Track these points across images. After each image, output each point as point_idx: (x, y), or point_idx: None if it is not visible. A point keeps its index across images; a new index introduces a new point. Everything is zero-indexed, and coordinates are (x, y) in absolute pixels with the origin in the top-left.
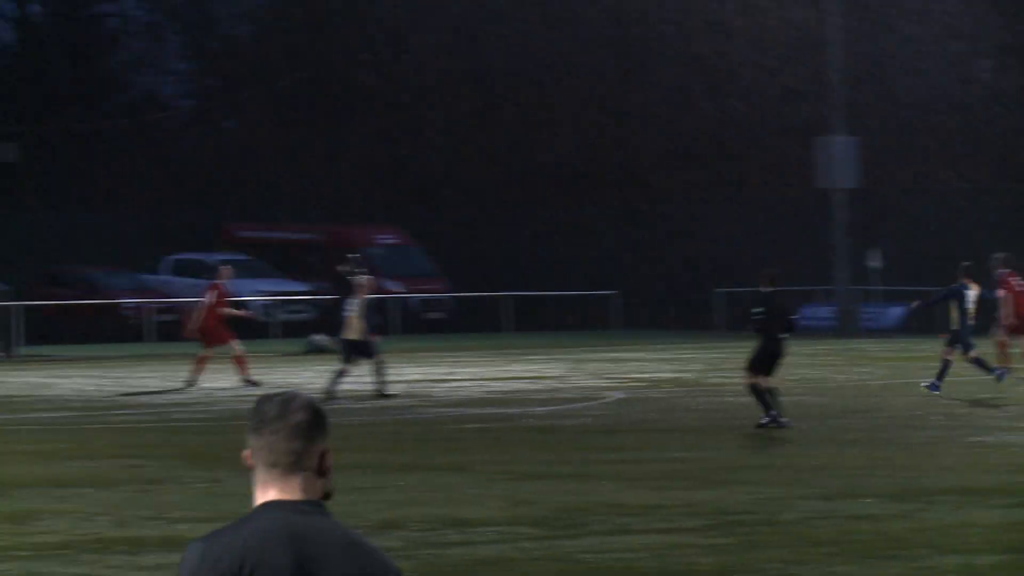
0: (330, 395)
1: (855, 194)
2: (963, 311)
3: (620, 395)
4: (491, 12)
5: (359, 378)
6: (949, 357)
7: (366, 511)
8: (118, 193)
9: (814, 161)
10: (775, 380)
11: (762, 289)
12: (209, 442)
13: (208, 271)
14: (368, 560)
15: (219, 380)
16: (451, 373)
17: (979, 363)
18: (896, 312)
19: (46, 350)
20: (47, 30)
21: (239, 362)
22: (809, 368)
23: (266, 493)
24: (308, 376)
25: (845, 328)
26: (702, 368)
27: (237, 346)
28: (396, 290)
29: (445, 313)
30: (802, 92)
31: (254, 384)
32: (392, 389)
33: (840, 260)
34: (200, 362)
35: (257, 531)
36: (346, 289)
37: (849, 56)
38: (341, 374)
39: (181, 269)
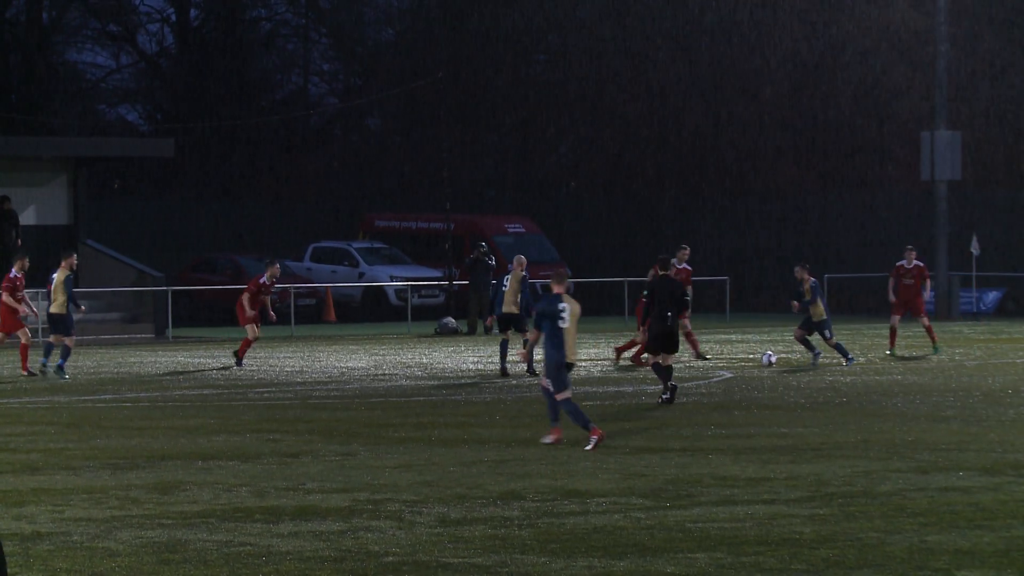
0: (504, 372)
1: (956, 185)
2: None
3: (729, 374)
4: (611, 14)
5: (490, 357)
6: None
7: (488, 482)
8: (267, 186)
9: (919, 154)
10: (671, 358)
11: (659, 273)
12: (344, 418)
13: (348, 258)
14: None
15: (352, 360)
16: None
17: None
18: (992, 297)
19: (195, 332)
20: (204, 33)
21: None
22: (909, 349)
23: None
24: (438, 356)
25: (944, 311)
26: (807, 349)
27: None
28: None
29: None
30: (909, 89)
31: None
32: (510, 369)
33: (940, 247)
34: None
35: None
36: (480, 274)
37: (954, 53)
38: (505, 345)
39: (322, 256)
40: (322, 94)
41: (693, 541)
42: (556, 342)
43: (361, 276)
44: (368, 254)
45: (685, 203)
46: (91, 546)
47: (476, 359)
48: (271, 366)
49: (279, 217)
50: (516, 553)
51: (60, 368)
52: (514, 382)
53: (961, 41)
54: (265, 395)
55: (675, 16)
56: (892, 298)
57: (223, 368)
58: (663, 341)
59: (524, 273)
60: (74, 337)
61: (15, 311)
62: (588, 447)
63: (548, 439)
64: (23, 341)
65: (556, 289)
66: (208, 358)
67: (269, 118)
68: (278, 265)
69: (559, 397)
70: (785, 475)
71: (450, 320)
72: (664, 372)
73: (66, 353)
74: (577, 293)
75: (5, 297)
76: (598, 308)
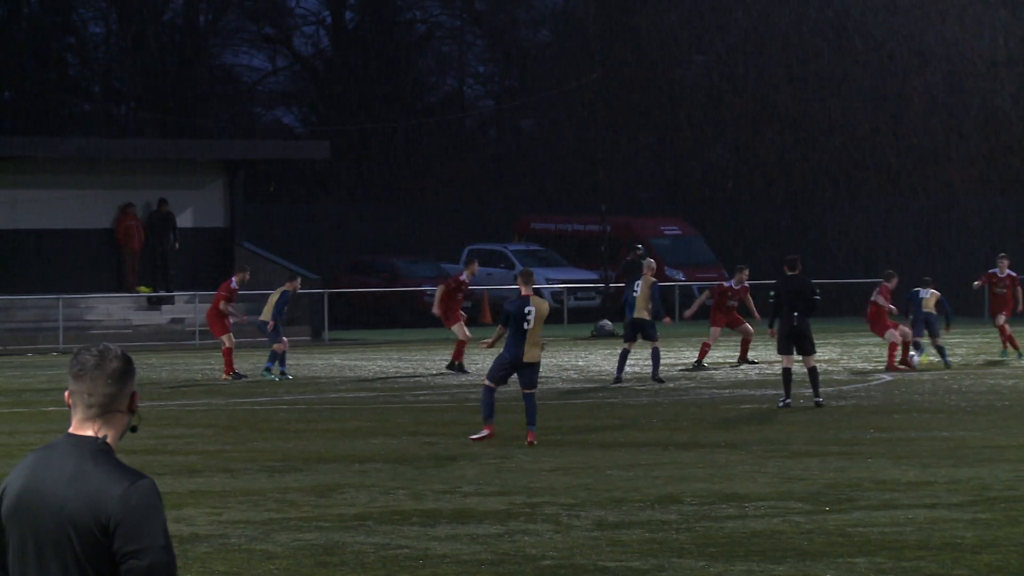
0: (618, 379)
1: None
2: None
3: (888, 378)
4: (771, 18)
5: (642, 360)
6: None
7: (645, 486)
8: (422, 187)
9: None
10: (812, 359)
11: (787, 273)
12: (500, 420)
13: (504, 260)
14: (87, 486)
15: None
16: (728, 356)
17: None
18: None
19: (351, 334)
20: (359, 36)
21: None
22: None
23: (74, 428)
24: (594, 359)
25: None
26: (967, 352)
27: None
28: (678, 278)
29: None
30: None
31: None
32: (663, 375)
33: None
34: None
35: (29, 459)
36: (633, 275)
37: None
38: (625, 355)
39: (478, 258)
40: (477, 96)
41: (853, 546)
42: (518, 342)
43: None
44: (524, 256)
45: (844, 205)
46: (249, 548)
47: (633, 361)
48: (427, 369)
49: (434, 219)
50: (674, 557)
51: (267, 369)
52: (671, 385)
53: None
54: (421, 398)
55: (832, 15)
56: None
57: (437, 374)
58: (794, 341)
59: (654, 279)
60: (285, 342)
61: (225, 316)
62: (473, 436)
63: (477, 436)
64: (227, 345)
65: (524, 291)
66: (364, 360)
67: (425, 120)
68: (476, 263)
69: (487, 383)
70: (946, 479)
71: (607, 323)
72: (790, 377)
73: (273, 357)
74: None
75: (222, 305)
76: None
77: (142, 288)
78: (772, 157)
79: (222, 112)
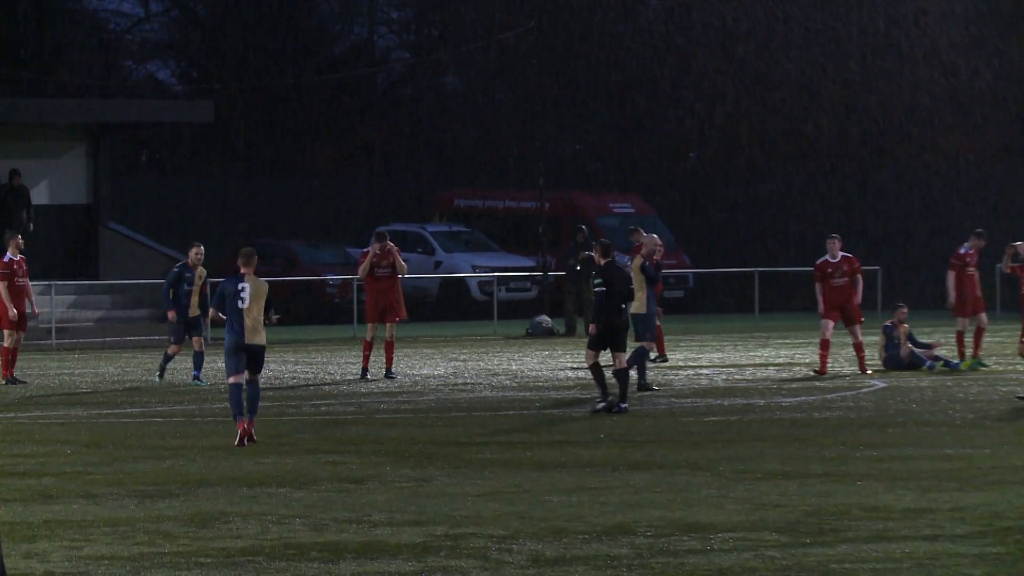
0: (645, 387)
1: None
2: None
3: (881, 384)
4: None
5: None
6: None
7: (592, 514)
8: (324, 158)
9: None
10: (623, 358)
11: (603, 262)
12: (418, 436)
13: (422, 244)
14: None
15: (428, 366)
16: (690, 359)
17: None
18: None
19: None
20: None
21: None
22: None
23: None
24: (530, 362)
25: None
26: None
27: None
28: (628, 265)
29: (684, 291)
30: None
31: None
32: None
33: None
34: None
35: None
36: (582, 262)
37: None
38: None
39: (393, 242)
40: (391, 47)
41: None
42: (236, 323)
43: (438, 266)
44: (446, 239)
45: (822, 177)
46: None
47: (576, 365)
48: (330, 374)
49: (340, 195)
50: None
51: (196, 378)
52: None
53: None
54: (323, 409)
55: None
56: (821, 304)
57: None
58: (612, 337)
59: (643, 258)
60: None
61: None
62: (235, 443)
63: (236, 441)
64: (6, 344)
65: (243, 270)
66: None
67: (327, 76)
68: (387, 236)
69: (231, 380)
70: (950, 506)
71: (544, 319)
72: (601, 375)
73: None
74: (698, 285)
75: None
76: (722, 304)
77: None
78: (737, 124)
79: (84, 66)
